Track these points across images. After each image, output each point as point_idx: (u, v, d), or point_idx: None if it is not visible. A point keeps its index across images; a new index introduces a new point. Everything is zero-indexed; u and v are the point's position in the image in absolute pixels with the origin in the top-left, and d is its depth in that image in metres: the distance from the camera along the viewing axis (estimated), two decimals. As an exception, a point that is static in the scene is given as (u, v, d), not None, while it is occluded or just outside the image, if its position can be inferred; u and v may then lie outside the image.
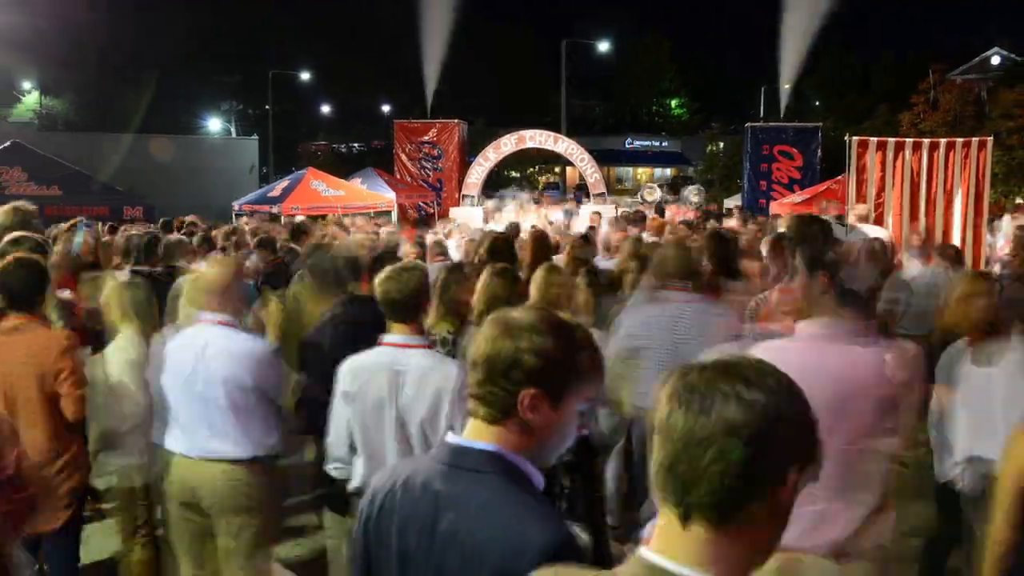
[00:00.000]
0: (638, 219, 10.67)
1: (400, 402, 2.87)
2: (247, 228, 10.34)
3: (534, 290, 4.97)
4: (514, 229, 9.17)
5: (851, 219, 9.18)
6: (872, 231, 8.96)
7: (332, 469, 3.07)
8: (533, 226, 10.53)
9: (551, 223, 13.54)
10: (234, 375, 3.31)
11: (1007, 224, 10.90)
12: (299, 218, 13.23)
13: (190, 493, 3.39)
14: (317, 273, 4.60)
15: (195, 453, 3.37)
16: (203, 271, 3.62)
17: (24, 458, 1.55)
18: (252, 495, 3.35)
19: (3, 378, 3.47)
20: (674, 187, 30.34)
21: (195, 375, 3.35)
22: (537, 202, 17.65)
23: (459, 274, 4.42)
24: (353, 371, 2.95)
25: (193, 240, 7.79)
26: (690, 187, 22.26)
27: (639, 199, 20.62)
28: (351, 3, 52.26)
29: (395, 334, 2.96)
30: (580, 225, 12.93)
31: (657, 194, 22.61)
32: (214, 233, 9.14)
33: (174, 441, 3.43)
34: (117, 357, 3.70)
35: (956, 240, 9.66)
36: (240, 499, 3.34)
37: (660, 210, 14.91)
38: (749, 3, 77.24)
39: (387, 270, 3.07)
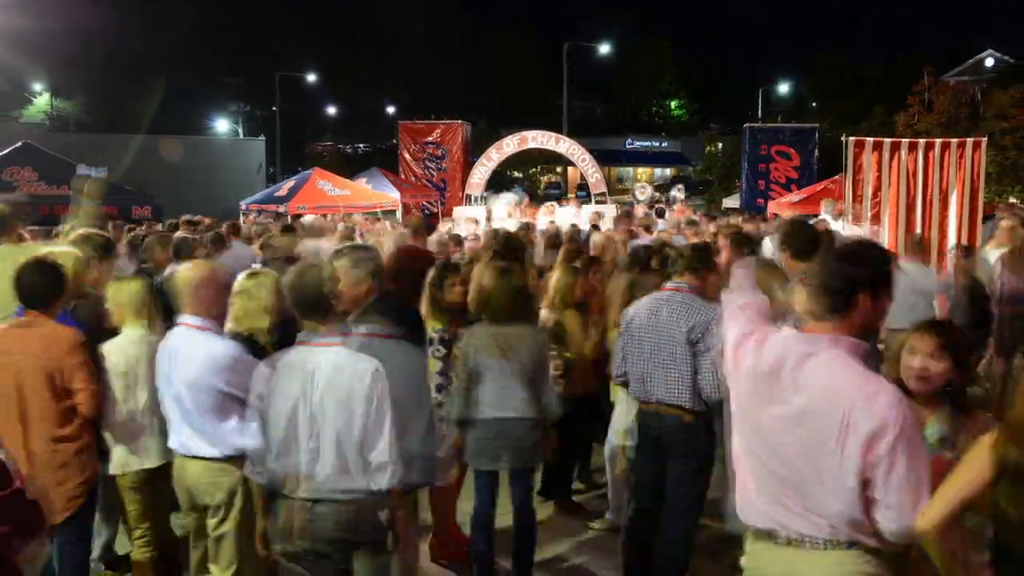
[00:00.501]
0: (625, 218, 10.92)
1: (312, 400, 2.87)
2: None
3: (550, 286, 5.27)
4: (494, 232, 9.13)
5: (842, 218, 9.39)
6: (855, 231, 9.20)
7: (257, 475, 3.04)
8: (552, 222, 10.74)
9: (552, 222, 13.83)
10: (199, 379, 3.40)
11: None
12: (308, 218, 13.51)
13: (186, 489, 3.57)
14: None
15: (183, 451, 3.54)
16: (177, 273, 3.63)
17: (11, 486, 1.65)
18: (231, 492, 3.45)
19: (14, 373, 3.54)
20: (667, 187, 30.63)
21: (169, 378, 3.49)
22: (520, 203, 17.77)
23: (448, 272, 4.53)
24: (266, 373, 2.98)
25: (206, 237, 7.96)
26: (675, 186, 22.68)
27: (632, 198, 20.92)
28: (356, 6, 52.59)
29: (308, 332, 2.98)
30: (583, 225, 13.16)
31: (648, 192, 22.95)
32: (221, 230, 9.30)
33: (171, 440, 3.60)
34: (119, 352, 3.77)
35: (951, 239, 9.80)
36: (220, 495, 3.47)
37: (660, 212, 15.15)
38: (748, 6, 77.70)
39: (292, 270, 3.06)
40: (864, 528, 2.25)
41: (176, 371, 3.45)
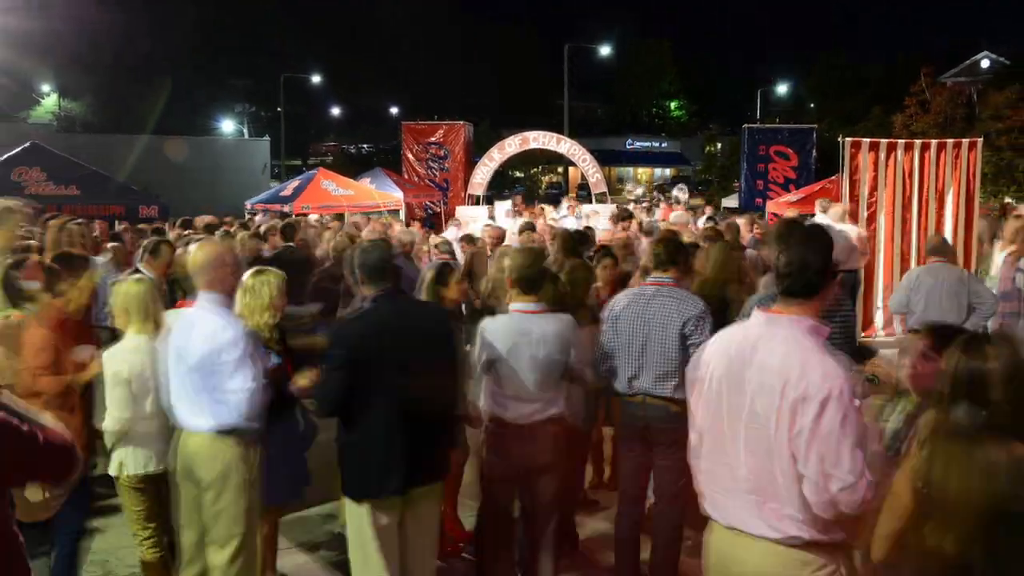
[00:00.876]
0: (624, 216, 11.06)
1: (535, 355, 3.79)
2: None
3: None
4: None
5: (831, 217, 9.50)
6: (846, 228, 9.35)
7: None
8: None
9: (555, 219, 14.02)
10: (206, 356, 3.45)
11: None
12: (312, 217, 13.72)
13: (186, 462, 3.59)
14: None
15: (187, 426, 3.58)
16: (191, 253, 3.69)
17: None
18: (226, 466, 3.51)
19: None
20: (668, 187, 30.73)
21: (179, 354, 3.55)
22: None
23: (443, 274, 4.66)
24: (495, 333, 3.85)
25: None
26: (677, 186, 22.52)
27: (625, 197, 20.99)
28: (359, 7, 52.82)
29: (521, 302, 3.86)
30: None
31: (639, 191, 23.06)
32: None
33: (176, 414, 3.65)
34: (121, 359, 3.78)
35: (947, 238, 10.09)
36: (219, 469, 3.50)
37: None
38: (748, 6, 77.88)
39: (515, 250, 3.84)
40: (816, 523, 2.25)
41: (186, 347, 3.52)
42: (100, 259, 6.78)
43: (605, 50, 38.13)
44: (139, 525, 3.90)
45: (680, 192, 19.83)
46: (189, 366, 3.50)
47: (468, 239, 8.96)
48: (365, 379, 3.37)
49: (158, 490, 3.85)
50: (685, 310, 3.98)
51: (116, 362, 3.76)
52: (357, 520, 3.43)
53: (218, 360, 3.44)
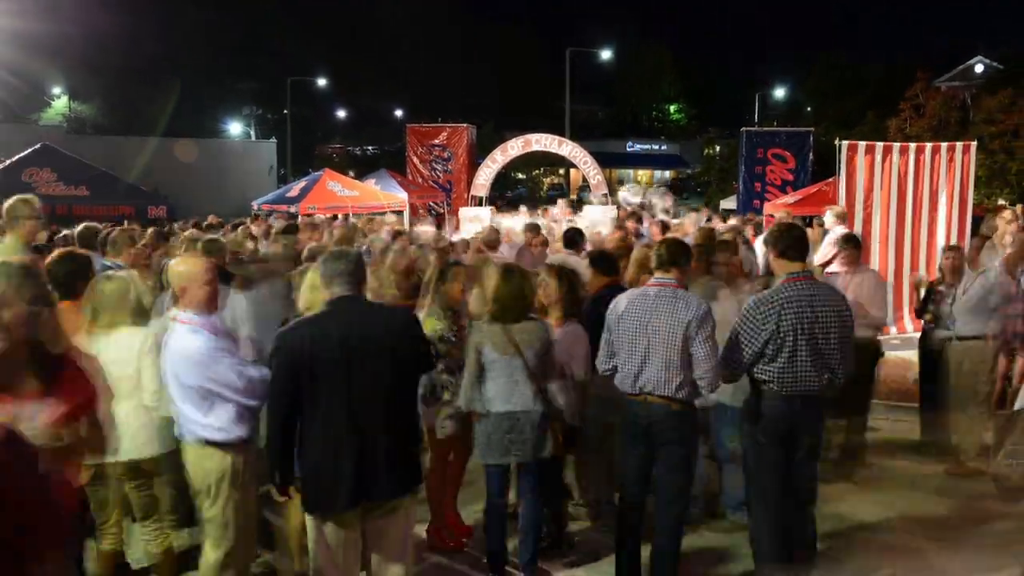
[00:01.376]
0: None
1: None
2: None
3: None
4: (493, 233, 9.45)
5: (828, 220, 9.70)
6: (841, 231, 9.55)
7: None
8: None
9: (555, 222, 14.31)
10: (179, 372, 3.50)
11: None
12: (308, 217, 13.97)
13: (186, 471, 3.69)
14: None
15: (181, 437, 3.68)
16: (172, 267, 3.72)
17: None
18: (218, 476, 3.58)
19: None
20: (674, 189, 30.72)
21: (165, 369, 3.60)
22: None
23: (449, 271, 4.71)
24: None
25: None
26: (629, 188, 21.60)
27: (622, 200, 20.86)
28: (360, 10, 53.05)
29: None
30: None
31: (636, 199, 22.91)
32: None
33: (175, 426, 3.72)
34: (120, 346, 3.79)
35: (940, 240, 10.15)
36: (208, 479, 3.59)
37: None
38: (748, 7, 78.14)
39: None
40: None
41: (164, 363, 3.60)
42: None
43: (606, 54, 38.45)
44: (140, 517, 3.98)
45: (657, 198, 18.32)
46: (173, 380, 3.57)
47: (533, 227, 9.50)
48: (311, 388, 3.27)
49: (154, 482, 3.93)
50: (688, 311, 3.97)
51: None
52: (311, 532, 3.43)
53: (203, 376, 3.47)
